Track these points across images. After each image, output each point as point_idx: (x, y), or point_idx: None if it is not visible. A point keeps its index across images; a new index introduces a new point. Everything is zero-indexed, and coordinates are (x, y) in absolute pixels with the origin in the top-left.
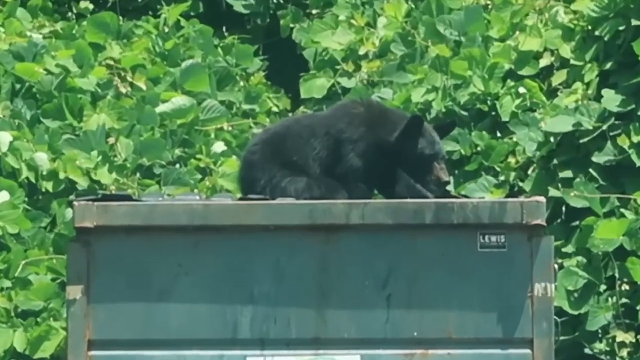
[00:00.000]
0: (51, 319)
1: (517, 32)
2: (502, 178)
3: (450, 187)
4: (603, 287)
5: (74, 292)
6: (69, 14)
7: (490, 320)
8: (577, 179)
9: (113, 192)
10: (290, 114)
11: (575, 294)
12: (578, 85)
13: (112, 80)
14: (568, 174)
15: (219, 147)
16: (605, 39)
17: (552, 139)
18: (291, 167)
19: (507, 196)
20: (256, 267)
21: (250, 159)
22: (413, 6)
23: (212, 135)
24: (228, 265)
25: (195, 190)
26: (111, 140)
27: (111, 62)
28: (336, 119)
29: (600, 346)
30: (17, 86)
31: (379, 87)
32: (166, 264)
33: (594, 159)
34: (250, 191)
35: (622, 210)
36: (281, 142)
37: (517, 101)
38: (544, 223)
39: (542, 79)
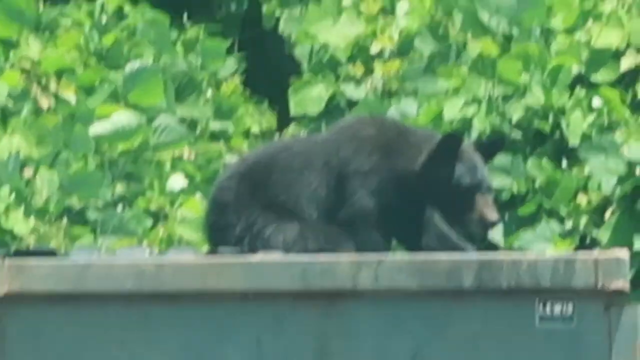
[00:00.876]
0: None
1: (590, 22)
2: (569, 225)
3: (498, 236)
4: None
5: None
6: None
7: None
8: None
9: (31, 245)
10: (276, 137)
11: None
12: None
13: (28, 89)
14: None
15: (177, 182)
16: None
17: (638, 171)
18: (278, 210)
19: (577, 249)
20: (229, 349)
21: (221, 199)
22: None
23: (168, 166)
24: (190, 346)
25: (144, 243)
26: (28, 172)
27: (28, 64)
28: (339, 144)
29: None
30: None
31: (399, 98)
32: (104, 344)
33: None
34: (221, 243)
35: None
36: (265, 176)
37: (591, 118)
38: (627, 288)
39: (624, 87)
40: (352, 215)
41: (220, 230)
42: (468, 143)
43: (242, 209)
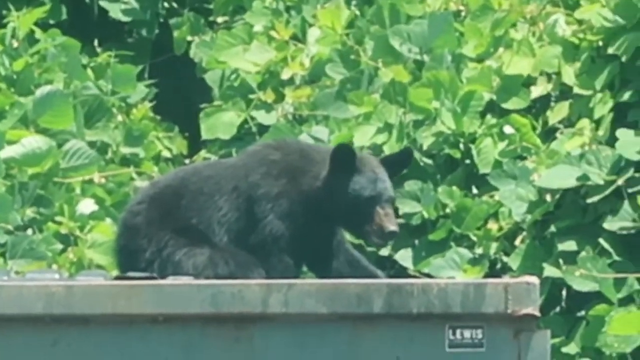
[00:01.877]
0: None
1: (501, 49)
2: (479, 251)
3: (408, 262)
4: None
5: None
6: None
7: None
8: (583, 253)
9: None
10: (187, 161)
11: None
12: (585, 123)
13: None
14: (571, 245)
15: (87, 206)
16: (623, 59)
17: (548, 198)
18: (188, 235)
19: (487, 276)
20: None
21: (131, 223)
22: (357, 13)
23: (78, 190)
24: None
25: (54, 267)
26: None
27: None
28: (248, 169)
29: None
30: None
31: (310, 124)
32: None
33: (605, 225)
34: (131, 267)
35: None
36: (175, 200)
37: (501, 145)
38: (537, 313)
39: (535, 115)
40: (263, 240)
41: (130, 254)
42: (370, 156)
43: (152, 233)
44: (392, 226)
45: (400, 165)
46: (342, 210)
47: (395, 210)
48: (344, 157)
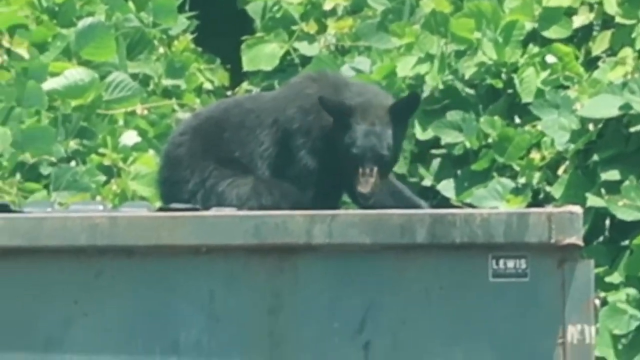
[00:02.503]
0: None
1: None
2: (522, 181)
3: (450, 194)
4: None
5: None
6: None
7: None
8: (627, 182)
9: None
10: (228, 93)
11: (624, 340)
12: (627, 52)
13: None
14: (614, 175)
15: (130, 138)
16: None
17: (591, 127)
18: (231, 166)
19: (530, 206)
20: (182, 304)
21: (174, 154)
22: None
23: (121, 122)
24: (143, 302)
25: (98, 198)
26: None
27: None
28: (287, 102)
29: None
30: None
31: (352, 55)
32: (57, 301)
33: None
34: (174, 198)
35: None
36: (218, 132)
37: (544, 75)
38: (580, 242)
39: (577, 44)
40: (298, 173)
41: (173, 186)
42: (376, 102)
43: (195, 164)
44: (363, 189)
45: (408, 110)
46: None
47: (437, 140)
48: (335, 110)
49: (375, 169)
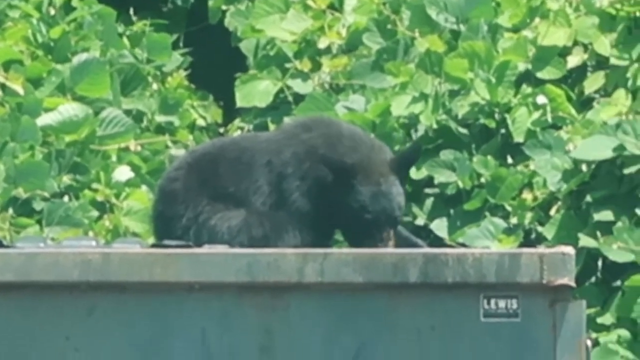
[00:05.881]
0: None
1: (537, 20)
2: (514, 221)
3: (443, 233)
4: None
5: None
6: None
7: None
8: (619, 224)
9: None
10: (221, 130)
11: None
12: (621, 93)
13: None
14: (607, 215)
15: (123, 173)
16: None
17: (584, 168)
18: (225, 201)
19: (522, 246)
20: (175, 341)
21: (169, 189)
22: None
23: (114, 158)
24: (136, 338)
25: (91, 234)
26: None
27: None
28: (281, 145)
29: None
30: None
31: (347, 94)
32: (49, 336)
33: None
34: (167, 233)
35: None
36: (213, 168)
37: (536, 115)
38: (572, 283)
39: (570, 85)
40: (292, 214)
41: (167, 221)
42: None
43: (189, 200)
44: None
45: (410, 163)
46: (344, 219)
47: (431, 179)
48: (337, 169)
49: (392, 231)
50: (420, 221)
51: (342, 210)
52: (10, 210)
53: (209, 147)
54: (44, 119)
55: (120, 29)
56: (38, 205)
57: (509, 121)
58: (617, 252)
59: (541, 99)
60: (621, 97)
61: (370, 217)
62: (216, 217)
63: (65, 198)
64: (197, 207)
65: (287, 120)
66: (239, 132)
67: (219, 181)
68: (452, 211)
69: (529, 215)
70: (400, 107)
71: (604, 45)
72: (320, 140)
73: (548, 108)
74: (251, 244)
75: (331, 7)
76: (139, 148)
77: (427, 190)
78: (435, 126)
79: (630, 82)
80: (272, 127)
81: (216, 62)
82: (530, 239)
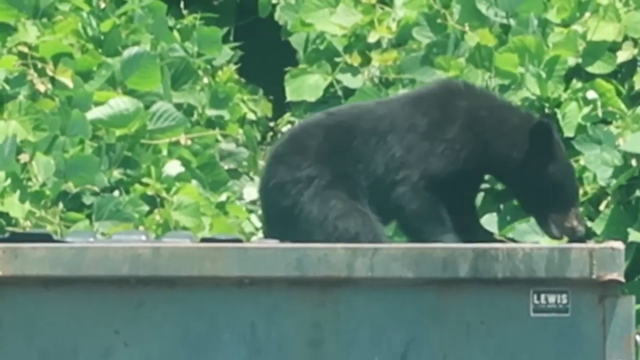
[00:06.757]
0: None
1: (587, 14)
2: None
3: (493, 228)
4: None
5: None
6: None
7: None
8: None
9: (26, 229)
10: (271, 124)
11: None
12: None
13: (25, 73)
14: None
15: (173, 168)
16: None
17: (634, 163)
18: (349, 187)
19: (571, 241)
20: (224, 335)
21: (304, 142)
22: None
23: (165, 152)
24: (185, 333)
25: (141, 228)
26: (24, 157)
27: (25, 49)
28: (434, 111)
29: None
30: None
31: (396, 88)
32: (98, 330)
33: None
34: (280, 175)
35: None
36: (348, 139)
37: (586, 110)
38: (622, 278)
39: (621, 80)
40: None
41: (285, 165)
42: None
43: (319, 161)
44: (582, 229)
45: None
46: (531, 199)
47: None
48: (544, 135)
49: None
50: None
51: (534, 187)
52: (61, 205)
53: (346, 114)
54: (94, 113)
55: (171, 22)
56: (88, 200)
57: (559, 116)
58: None
59: (591, 94)
60: None
61: (573, 189)
62: (335, 209)
63: (116, 192)
64: (322, 177)
65: (427, 86)
66: (289, 126)
67: (351, 155)
68: (501, 206)
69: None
70: None
71: None
72: (485, 103)
73: (598, 103)
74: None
75: (381, 1)
76: (189, 142)
77: None
78: None
79: None
80: None
81: (266, 56)
82: None
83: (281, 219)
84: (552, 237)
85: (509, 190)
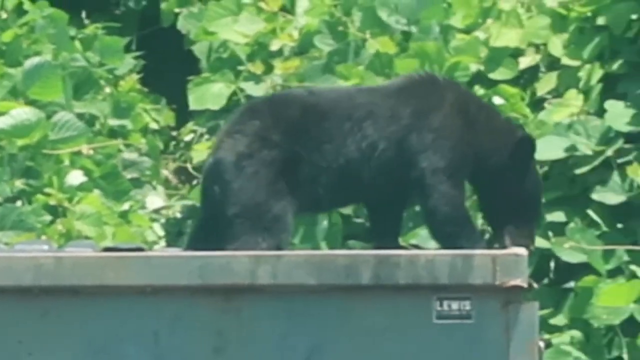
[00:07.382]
0: None
1: (489, 21)
2: None
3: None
4: None
5: None
6: None
7: None
8: (572, 224)
9: None
10: (174, 133)
11: None
12: (573, 94)
13: None
14: (559, 216)
15: (75, 177)
16: (613, 30)
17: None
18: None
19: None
20: (128, 344)
21: (281, 109)
22: None
23: (67, 162)
24: (89, 342)
25: (43, 238)
26: None
27: None
28: (420, 101)
29: None
30: None
31: None
32: (1, 340)
33: (594, 196)
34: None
35: (632, 267)
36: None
37: None
38: (525, 284)
39: (523, 86)
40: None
41: (233, 140)
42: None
43: (292, 134)
44: (533, 249)
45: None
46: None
47: None
48: (528, 151)
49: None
50: None
51: (511, 193)
52: None
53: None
54: None
55: (73, 32)
56: None
57: None
58: (570, 253)
59: (497, 100)
60: (573, 98)
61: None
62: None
63: (18, 202)
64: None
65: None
66: (191, 135)
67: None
68: (404, 213)
69: (480, 216)
70: None
71: (556, 45)
72: (471, 103)
73: (503, 108)
74: None
75: (283, 9)
76: (91, 152)
77: None
78: None
79: (582, 83)
80: None
81: (169, 65)
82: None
83: (217, 194)
84: (502, 247)
85: (475, 193)
